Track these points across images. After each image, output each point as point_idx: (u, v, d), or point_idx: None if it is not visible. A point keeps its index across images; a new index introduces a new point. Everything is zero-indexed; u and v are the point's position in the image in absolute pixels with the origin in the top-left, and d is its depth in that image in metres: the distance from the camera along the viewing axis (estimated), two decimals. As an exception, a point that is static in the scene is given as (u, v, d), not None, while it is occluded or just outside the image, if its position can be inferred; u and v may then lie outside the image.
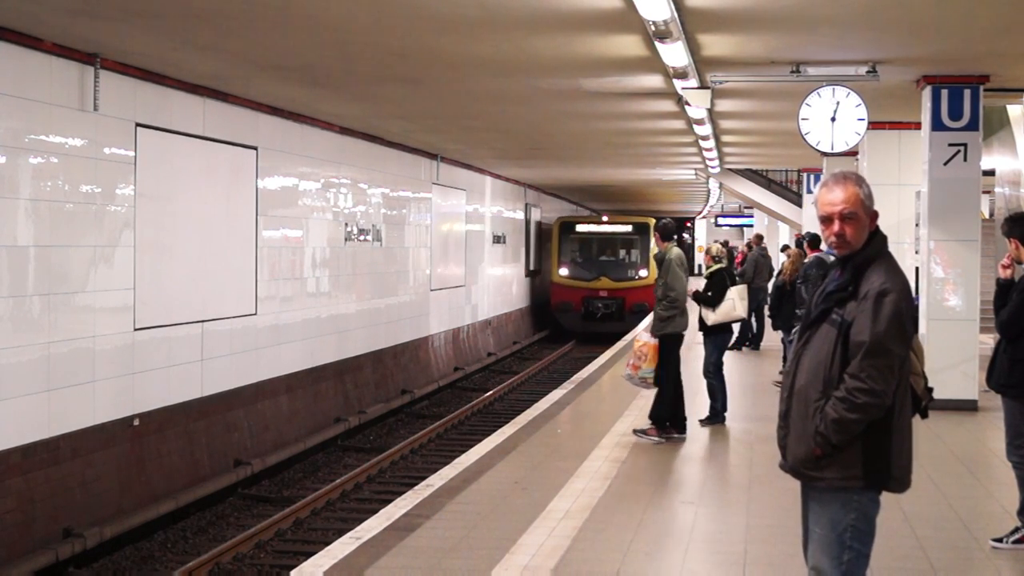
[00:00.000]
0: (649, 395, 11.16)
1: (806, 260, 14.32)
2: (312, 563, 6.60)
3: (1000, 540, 6.90)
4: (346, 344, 17.06)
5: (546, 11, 8.67)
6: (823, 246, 12.86)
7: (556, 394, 14.06)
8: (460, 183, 24.05)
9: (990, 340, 9.90)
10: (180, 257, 12.09)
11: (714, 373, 11.49)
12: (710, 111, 14.49)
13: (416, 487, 8.67)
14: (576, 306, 31.41)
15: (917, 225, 14.30)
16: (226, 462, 12.83)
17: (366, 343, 17.96)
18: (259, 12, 8.91)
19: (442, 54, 10.61)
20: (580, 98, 13.40)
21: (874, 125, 13.88)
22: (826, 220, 4.21)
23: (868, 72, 11.01)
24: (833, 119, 11.54)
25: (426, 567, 6.54)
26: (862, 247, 4.19)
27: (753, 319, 19.02)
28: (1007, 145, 17.15)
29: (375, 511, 8.51)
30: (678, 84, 11.55)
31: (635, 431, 10.56)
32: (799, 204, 27.00)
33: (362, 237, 17.80)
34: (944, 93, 12.00)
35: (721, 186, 30.84)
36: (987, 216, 22.17)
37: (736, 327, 15.25)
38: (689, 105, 13.02)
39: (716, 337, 11.62)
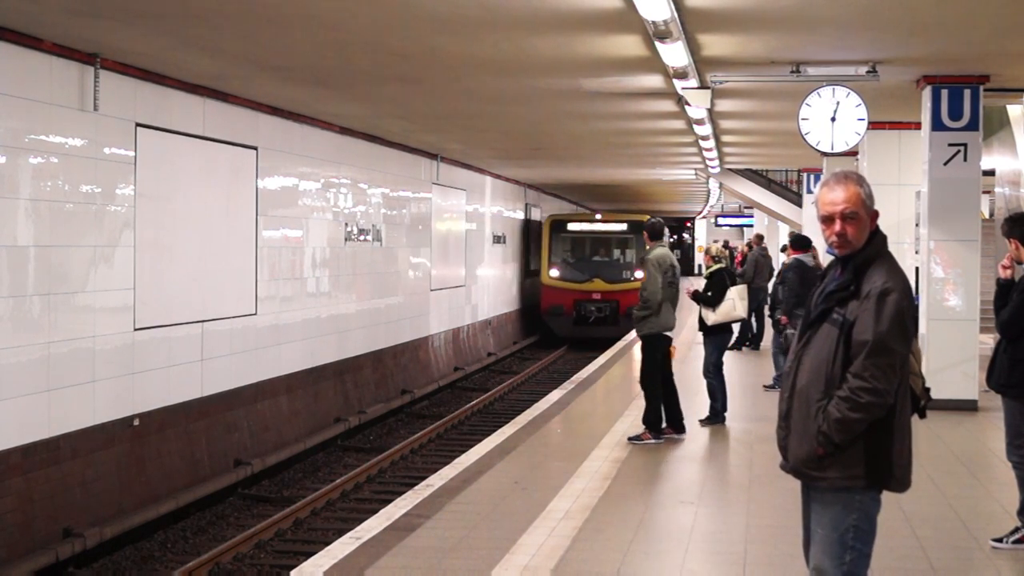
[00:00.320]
0: None
1: (784, 262, 14.34)
2: (312, 563, 6.60)
3: (1000, 540, 6.91)
4: (346, 344, 17.06)
5: (546, 11, 8.67)
6: (823, 246, 12.86)
7: (556, 394, 14.07)
8: (460, 183, 24.05)
9: (990, 340, 9.91)
10: (180, 257, 12.09)
11: (714, 373, 11.49)
12: (710, 111, 14.49)
13: (416, 487, 8.67)
14: (567, 310, 29.40)
15: (917, 225, 14.30)
16: (226, 462, 12.83)
17: (366, 343, 17.96)
18: (259, 12, 8.91)
19: (442, 54, 10.61)
20: (580, 98, 13.40)
21: (874, 125, 13.88)
22: (827, 220, 4.21)
23: (868, 72, 11.01)
24: (833, 119, 11.54)
25: (426, 567, 6.54)
26: (863, 247, 4.19)
27: (753, 319, 19.03)
28: (1007, 145, 17.15)
29: (375, 511, 8.51)
30: (678, 84, 11.55)
31: (629, 439, 10.55)
32: (799, 204, 27.01)
33: (362, 237, 17.80)
34: (944, 93, 12.01)
35: (721, 186, 30.84)
36: (987, 216, 22.17)
37: (736, 327, 15.26)
38: (689, 105, 13.02)
39: (716, 337, 11.63)
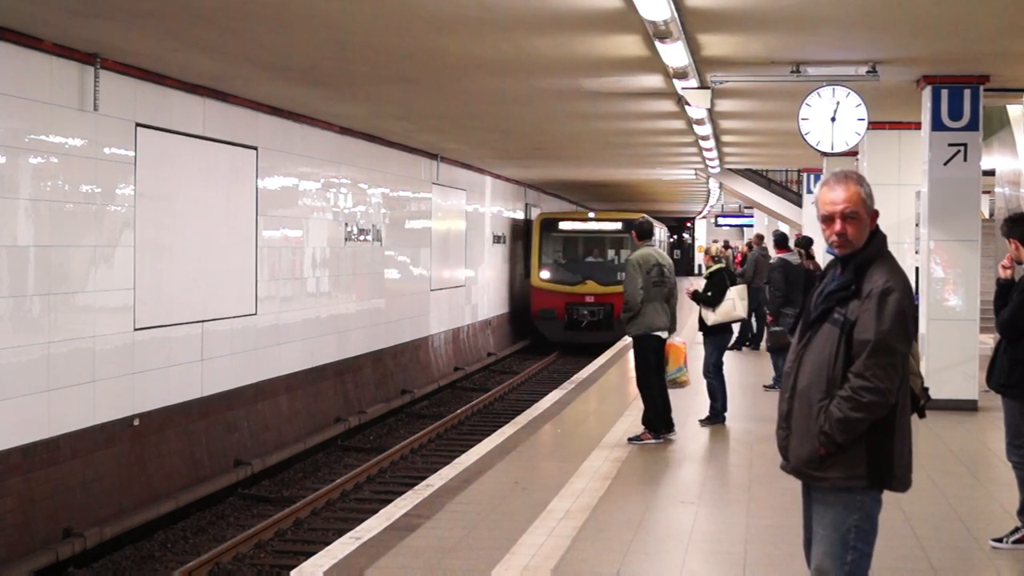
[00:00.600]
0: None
1: (770, 262, 14.32)
2: (312, 563, 6.60)
3: (1000, 540, 6.90)
4: (346, 344, 17.06)
5: (546, 11, 8.67)
6: (823, 246, 12.85)
7: (556, 394, 14.06)
8: (460, 183, 24.04)
9: (990, 340, 9.91)
10: (180, 257, 12.09)
11: (714, 373, 11.48)
12: (710, 111, 14.49)
13: (416, 487, 8.67)
14: (559, 313, 27.44)
15: (917, 225, 14.30)
16: (226, 462, 12.83)
17: (366, 343, 17.96)
18: (259, 12, 8.91)
19: (442, 54, 10.61)
20: (580, 98, 13.40)
21: (874, 125, 13.88)
22: (827, 219, 4.21)
23: (868, 72, 11.01)
24: (833, 119, 11.54)
25: (426, 567, 6.54)
26: (863, 246, 4.19)
27: (753, 319, 19.03)
28: (1007, 145, 17.16)
29: (375, 511, 8.51)
30: (678, 84, 11.55)
31: (629, 439, 10.54)
32: (799, 204, 27.01)
33: (362, 237, 17.80)
34: (944, 93, 12.00)
35: (721, 186, 30.84)
36: (987, 216, 22.17)
37: (736, 327, 15.26)
38: (689, 105, 13.02)
39: (716, 337, 11.62)
